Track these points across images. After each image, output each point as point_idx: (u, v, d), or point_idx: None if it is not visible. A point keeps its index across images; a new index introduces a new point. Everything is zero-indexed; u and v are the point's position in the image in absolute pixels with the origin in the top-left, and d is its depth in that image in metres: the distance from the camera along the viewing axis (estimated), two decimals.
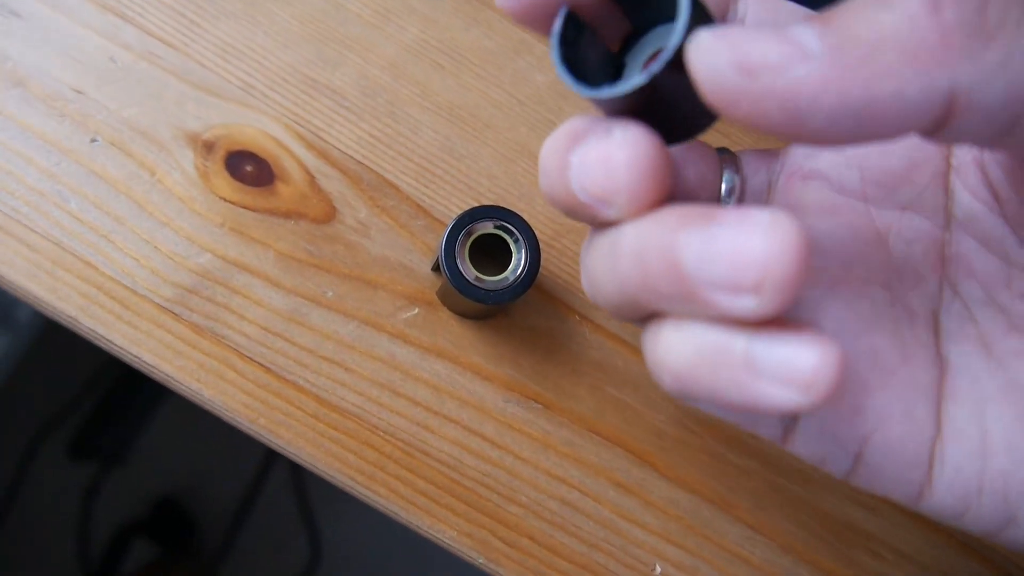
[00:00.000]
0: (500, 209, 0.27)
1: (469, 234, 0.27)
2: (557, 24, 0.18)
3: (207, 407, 0.28)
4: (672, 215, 0.16)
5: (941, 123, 0.15)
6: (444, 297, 0.29)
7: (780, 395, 0.15)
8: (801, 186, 0.21)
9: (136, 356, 0.28)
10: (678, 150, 0.21)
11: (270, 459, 0.97)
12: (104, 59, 0.30)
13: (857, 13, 0.15)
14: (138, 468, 0.96)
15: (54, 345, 0.84)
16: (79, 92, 0.29)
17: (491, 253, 0.28)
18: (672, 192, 0.18)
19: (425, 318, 0.30)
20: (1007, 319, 0.20)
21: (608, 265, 0.18)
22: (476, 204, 0.31)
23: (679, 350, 0.17)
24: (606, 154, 0.17)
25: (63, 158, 0.29)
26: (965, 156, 0.21)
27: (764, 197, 0.22)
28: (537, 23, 0.18)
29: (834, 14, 0.15)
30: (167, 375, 0.28)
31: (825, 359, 0.15)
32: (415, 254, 0.30)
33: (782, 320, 0.15)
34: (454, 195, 0.31)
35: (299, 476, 0.97)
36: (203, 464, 0.97)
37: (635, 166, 0.16)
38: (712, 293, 0.15)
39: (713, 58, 0.15)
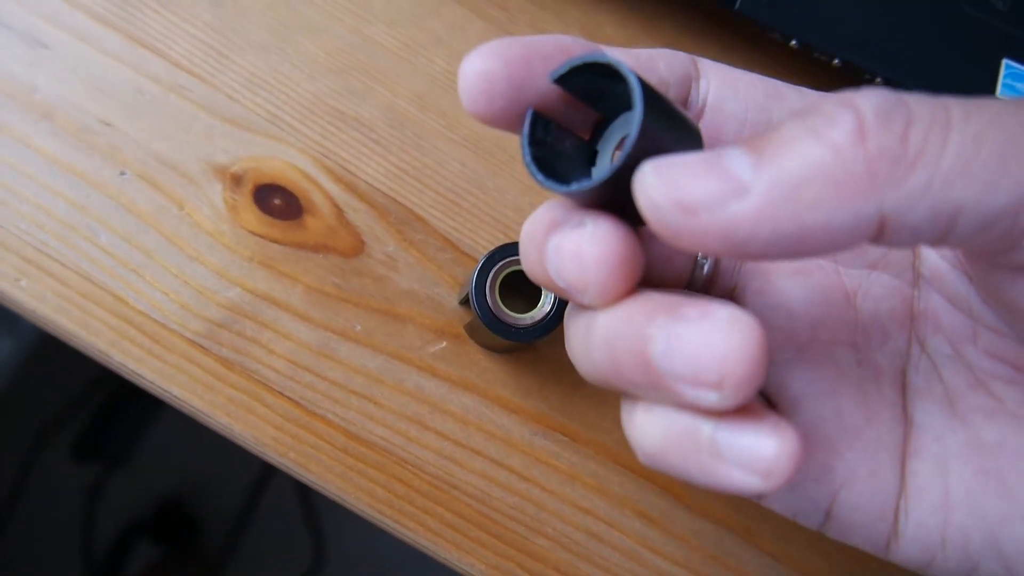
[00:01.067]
0: None
1: (499, 271, 0.27)
2: (525, 126, 0.18)
3: (237, 441, 0.28)
4: (641, 308, 0.17)
5: (875, 239, 0.16)
6: (473, 332, 0.29)
7: (743, 480, 0.16)
8: None
9: (166, 390, 0.28)
10: None
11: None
12: (132, 91, 0.30)
13: (788, 145, 0.16)
14: (142, 469, 0.96)
15: (58, 346, 0.85)
16: (107, 124, 0.29)
17: (519, 288, 0.28)
18: (643, 275, 0.19)
19: (453, 351, 0.30)
20: (972, 375, 0.21)
21: (583, 346, 0.19)
22: (503, 236, 0.31)
23: (650, 432, 0.18)
24: (578, 249, 0.17)
25: (92, 191, 0.29)
26: None
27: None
28: (507, 125, 0.19)
29: (768, 142, 0.16)
30: (197, 409, 0.28)
31: (784, 448, 0.16)
32: (442, 287, 0.30)
33: (746, 407, 0.17)
34: (481, 228, 0.31)
35: None
36: (207, 465, 0.98)
37: (605, 262, 0.17)
38: (677, 386, 0.16)
39: (655, 197, 0.16)
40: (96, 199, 0.29)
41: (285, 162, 0.30)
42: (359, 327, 0.29)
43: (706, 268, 0.22)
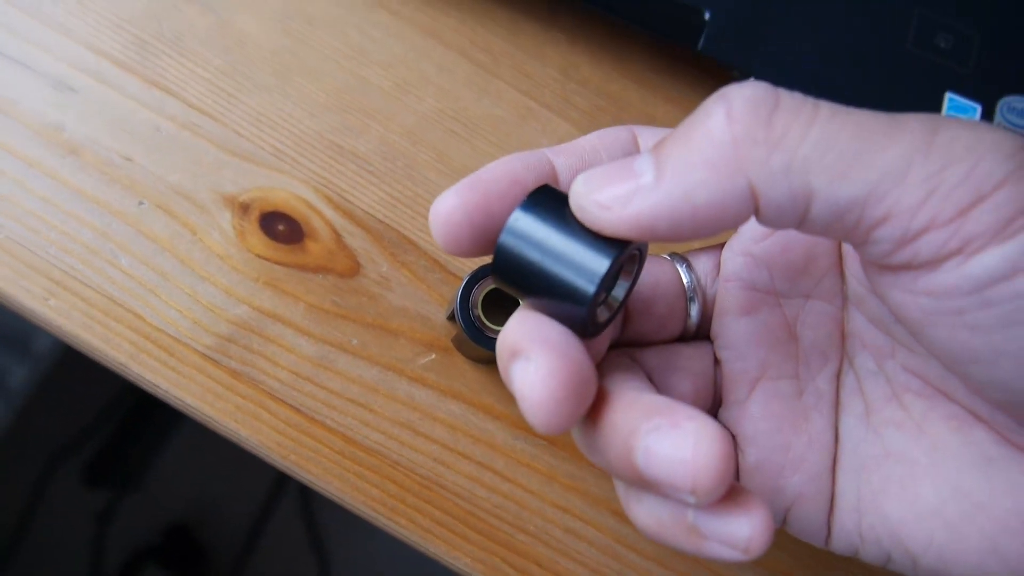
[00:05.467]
0: None
1: (482, 288, 0.30)
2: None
3: (244, 445, 0.31)
4: (624, 418, 0.20)
5: (757, 216, 0.19)
6: (459, 344, 0.32)
7: (728, 554, 0.19)
8: (725, 288, 0.25)
9: (179, 399, 0.31)
10: (647, 264, 0.25)
11: (280, 486, 1.00)
12: (150, 129, 0.33)
13: (676, 140, 0.19)
14: (150, 494, 0.98)
15: (70, 374, 0.87)
16: (128, 159, 0.32)
17: (501, 303, 0.31)
18: (648, 335, 0.24)
19: (441, 363, 0.33)
20: (890, 388, 0.23)
21: (584, 449, 0.22)
22: (487, 258, 0.34)
23: (644, 516, 0.21)
24: (523, 389, 0.19)
25: (113, 219, 0.32)
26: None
27: (716, 284, 0.25)
28: (480, 254, 0.22)
29: (666, 139, 0.19)
30: (207, 416, 0.31)
31: (756, 529, 0.18)
32: (432, 304, 0.33)
33: (730, 495, 0.19)
34: None
35: (308, 502, 0.99)
36: (214, 490, 1.00)
37: (544, 404, 0.19)
38: (660, 487, 0.19)
39: (581, 200, 0.19)
40: (117, 226, 0.32)
41: (288, 192, 0.33)
42: (356, 341, 0.32)
43: (694, 321, 0.25)
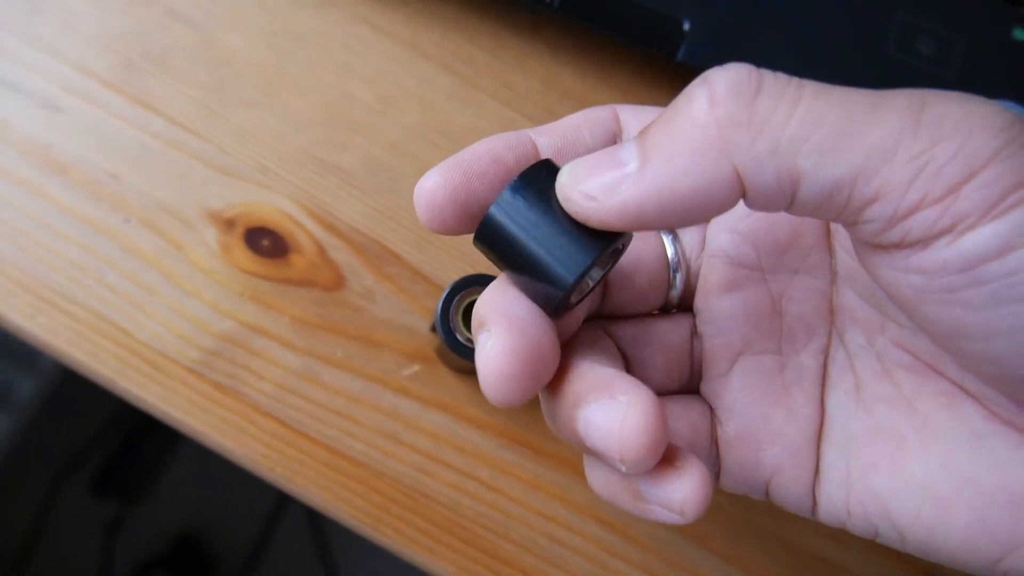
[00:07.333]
0: (489, 276, 0.31)
1: (462, 300, 0.31)
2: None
3: (230, 458, 0.32)
4: (570, 390, 0.21)
5: (746, 200, 0.19)
6: (441, 355, 0.33)
7: (668, 516, 0.20)
8: (709, 264, 0.25)
9: (166, 412, 0.31)
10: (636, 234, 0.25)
11: (286, 496, 1.00)
12: (136, 147, 0.33)
13: (660, 126, 0.19)
14: (158, 506, 0.99)
15: (76, 387, 0.88)
16: (114, 177, 0.33)
17: None
18: (629, 306, 0.24)
19: (425, 374, 0.33)
20: (880, 364, 0.23)
21: (546, 414, 0.23)
22: (470, 268, 0.34)
23: (597, 481, 0.22)
24: (485, 361, 0.20)
25: (100, 236, 0.32)
26: None
27: (701, 258, 0.25)
28: (463, 232, 0.22)
29: (651, 126, 0.19)
30: (193, 429, 0.31)
31: (691, 494, 0.19)
32: (415, 316, 0.33)
33: (664, 458, 0.20)
34: (450, 263, 0.34)
35: (315, 513, 1.00)
36: (221, 501, 1.00)
37: (498, 378, 0.20)
38: (598, 456, 0.20)
39: (567, 192, 0.20)
40: (103, 243, 0.32)
41: (273, 207, 0.34)
42: (340, 353, 0.33)
43: (677, 294, 0.25)
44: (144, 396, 0.31)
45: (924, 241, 0.18)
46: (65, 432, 0.95)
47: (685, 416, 0.24)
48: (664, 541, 0.33)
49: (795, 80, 0.18)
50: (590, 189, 0.19)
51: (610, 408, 0.19)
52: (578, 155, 0.23)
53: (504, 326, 0.20)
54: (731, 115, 0.18)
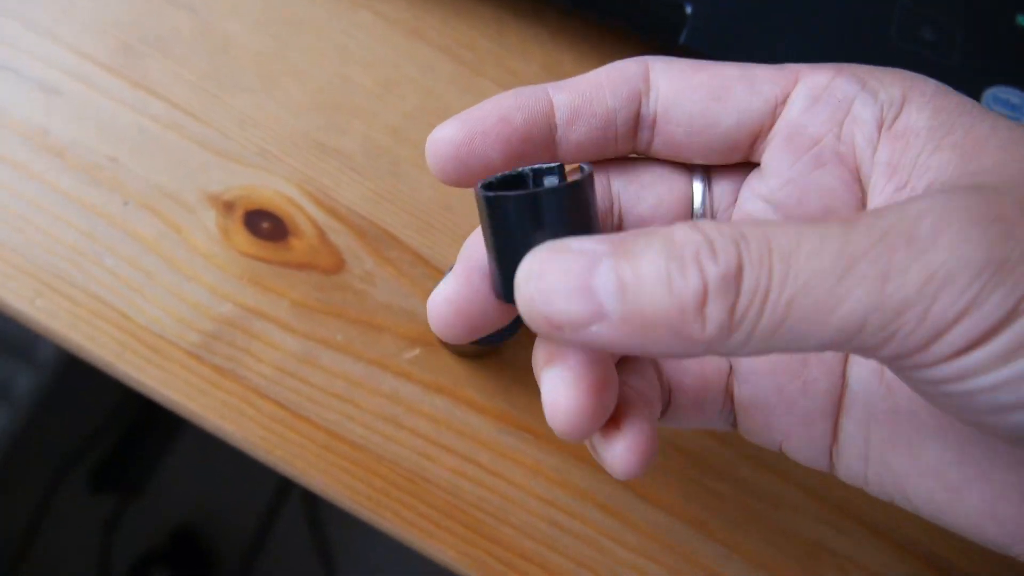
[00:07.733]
0: None
1: None
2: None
3: (229, 441, 0.31)
4: (539, 355, 0.21)
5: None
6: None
7: (616, 473, 0.21)
8: (750, 207, 0.24)
9: (165, 396, 0.31)
10: (649, 181, 0.24)
11: (285, 489, 1.00)
12: (135, 130, 0.33)
13: (649, 285, 0.18)
14: (157, 500, 0.99)
15: (74, 382, 0.88)
16: (113, 160, 0.33)
17: None
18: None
19: (426, 358, 0.33)
20: None
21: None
22: None
23: None
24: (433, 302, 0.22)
25: (99, 220, 0.32)
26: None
27: (729, 212, 0.25)
28: (469, 185, 0.23)
29: (635, 275, 0.18)
30: (193, 412, 0.31)
31: (626, 454, 0.21)
32: (416, 299, 0.33)
33: (614, 419, 0.21)
34: (451, 245, 0.34)
35: (314, 506, 1.00)
36: (219, 495, 1.00)
37: (442, 317, 0.22)
38: None
39: (528, 311, 0.18)
40: (103, 227, 0.32)
41: (273, 190, 0.33)
42: (340, 337, 0.32)
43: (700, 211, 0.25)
44: (143, 379, 0.31)
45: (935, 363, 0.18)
46: (63, 427, 0.94)
47: (699, 369, 0.25)
48: (664, 527, 0.33)
49: (773, 262, 0.17)
50: (557, 319, 0.18)
51: (553, 379, 0.20)
52: (595, 116, 0.23)
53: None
54: (715, 319, 0.17)
